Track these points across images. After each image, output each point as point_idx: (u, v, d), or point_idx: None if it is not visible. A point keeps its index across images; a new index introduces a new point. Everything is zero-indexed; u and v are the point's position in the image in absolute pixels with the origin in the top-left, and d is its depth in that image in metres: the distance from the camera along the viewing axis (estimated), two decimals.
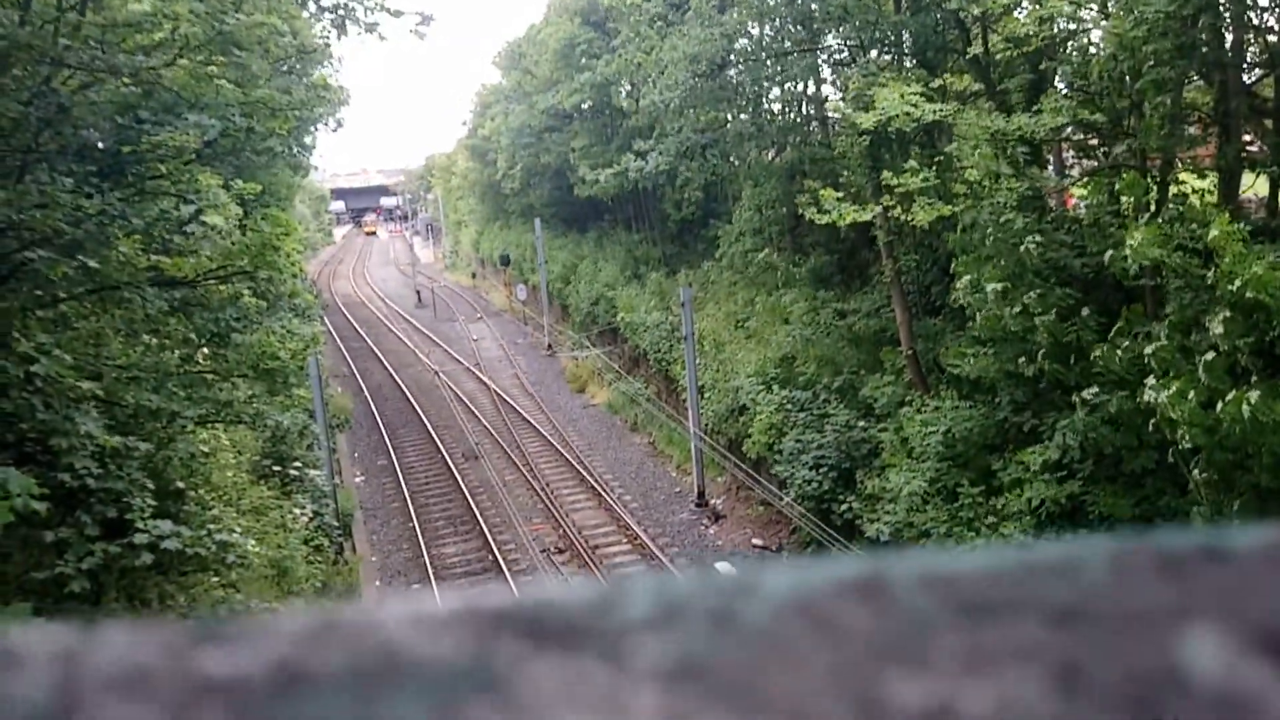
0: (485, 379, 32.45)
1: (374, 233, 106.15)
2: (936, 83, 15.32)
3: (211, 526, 11.47)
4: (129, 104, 9.70)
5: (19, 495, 5.03)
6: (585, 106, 34.58)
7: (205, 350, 11.94)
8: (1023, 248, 13.67)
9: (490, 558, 19.58)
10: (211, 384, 10.94)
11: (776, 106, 24.37)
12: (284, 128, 12.70)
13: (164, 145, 9.77)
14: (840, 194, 16.18)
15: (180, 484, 11.94)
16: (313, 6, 12.25)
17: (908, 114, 14.30)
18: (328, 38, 14.14)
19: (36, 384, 9.35)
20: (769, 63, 21.50)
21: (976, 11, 15.00)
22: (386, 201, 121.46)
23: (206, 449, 13.59)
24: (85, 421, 7.70)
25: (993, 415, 15.27)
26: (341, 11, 10.86)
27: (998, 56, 16.08)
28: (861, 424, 17.82)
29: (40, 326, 10.21)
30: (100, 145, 9.55)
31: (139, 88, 9.48)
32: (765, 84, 22.72)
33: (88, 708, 0.37)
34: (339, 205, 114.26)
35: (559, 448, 25.43)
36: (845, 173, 18.78)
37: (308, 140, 31.11)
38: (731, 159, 24.14)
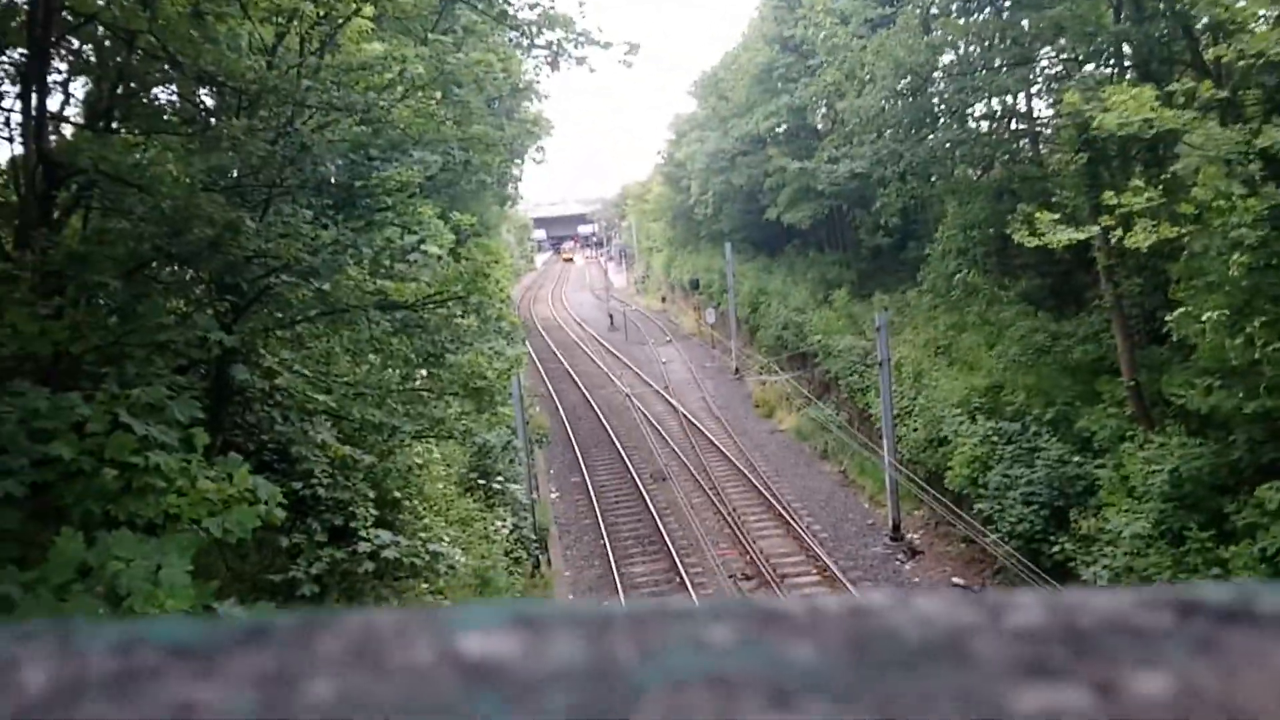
0: (674, 401, 32.80)
1: (571, 259, 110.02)
2: (1167, 90, 14.26)
3: (424, 536, 12.16)
4: (360, 142, 10.52)
5: (266, 502, 5.51)
6: (781, 130, 34.53)
7: (423, 370, 12.73)
8: (1256, 267, 12.49)
9: (677, 579, 19.69)
10: (427, 401, 11.64)
11: (984, 124, 23.40)
12: (498, 161, 13.40)
13: (391, 179, 10.53)
14: (1055, 215, 15.33)
15: (397, 494, 12.76)
16: (526, 44, 12.91)
17: (1147, 121, 13.38)
18: (538, 73, 14.83)
19: (277, 398, 10.25)
20: (976, 76, 20.72)
21: (1206, 20, 13.88)
22: (583, 229, 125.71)
23: (421, 462, 14.47)
24: (321, 431, 8.35)
25: (1226, 454, 13.96)
26: (555, 48, 11.36)
27: (1234, 66, 14.79)
28: (1076, 459, 16.71)
29: (281, 345, 11.21)
30: (334, 180, 10.40)
31: (369, 126, 10.29)
32: (971, 97, 21.87)
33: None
34: (540, 233, 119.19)
35: (745, 472, 25.30)
36: (1059, 192, 17.78)
37: (514, 172, 32.68)
38: (933, 178, 23.34)
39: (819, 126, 31.64)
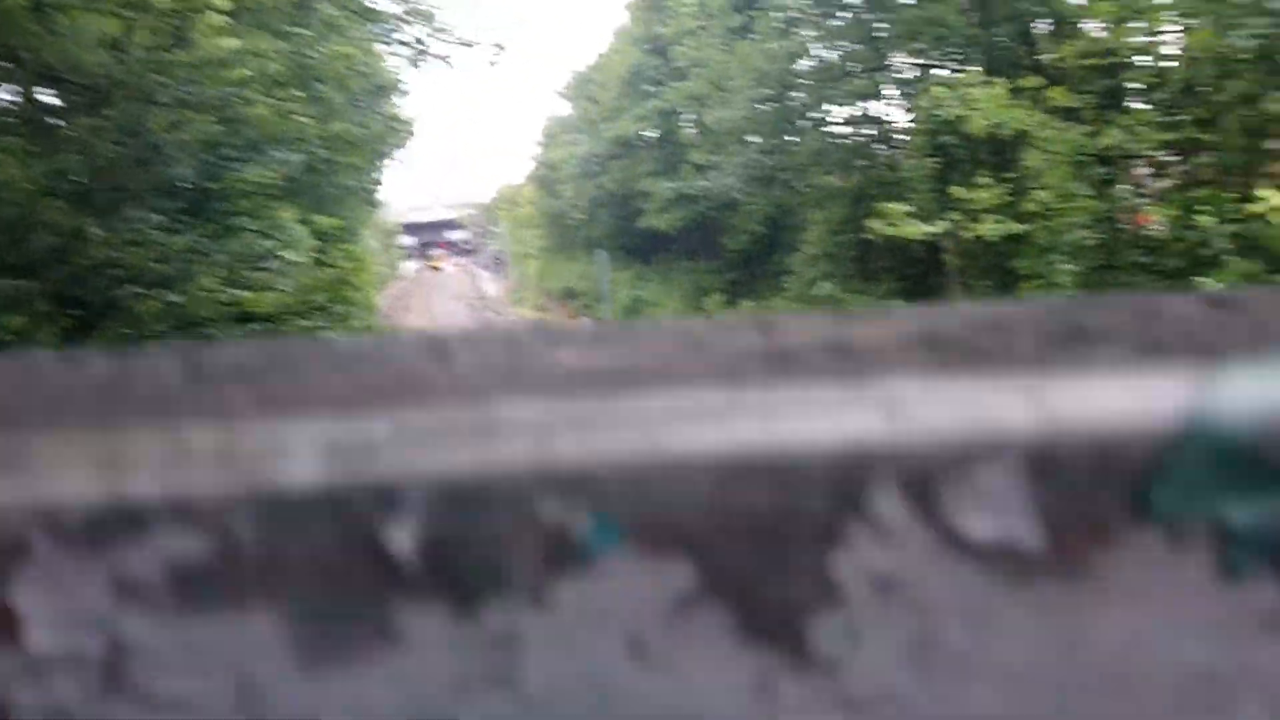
0: None
1: (439, 267, 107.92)
2: (1016, 86, 15.14)
3: None
4: (215, 141, 10.06)
5: None
6: (651, 134, 34.88)
7: None
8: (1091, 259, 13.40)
9: None
10: None
11: (845, 129, 24.26)
12: (360, 161, 13.07)
13: (247, 181, 10.11)
14: (905, 207, 16.11)
15: None
16: (388, 40, 12.61)
17: (998, 123, 14.17)
18: (400, 73, 14.51)
19: None
20: (834, 84, 21.48)
21: (1048, 24, 14.80)
22: (453, 235, 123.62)
23: None
24: None
25: None
26: (419, 44, 11.16)
27: (1070, 68, 15.81)
28: None
29: None
30: (188, 183, 9.92)
31: (225, 125, 9.85)
32: (829, 106, 22.64)
33: None
34: (408, 239, 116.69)
35: None
36: (912, 195, 18.63)
37: (379, 175, 31.89)
38: (795, 185, 24.04)
39: (691, 130, 32.17)
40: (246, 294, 11.34)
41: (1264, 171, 14.86)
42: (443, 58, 11.03)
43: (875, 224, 16.43)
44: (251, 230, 11.17)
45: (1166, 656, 0.32)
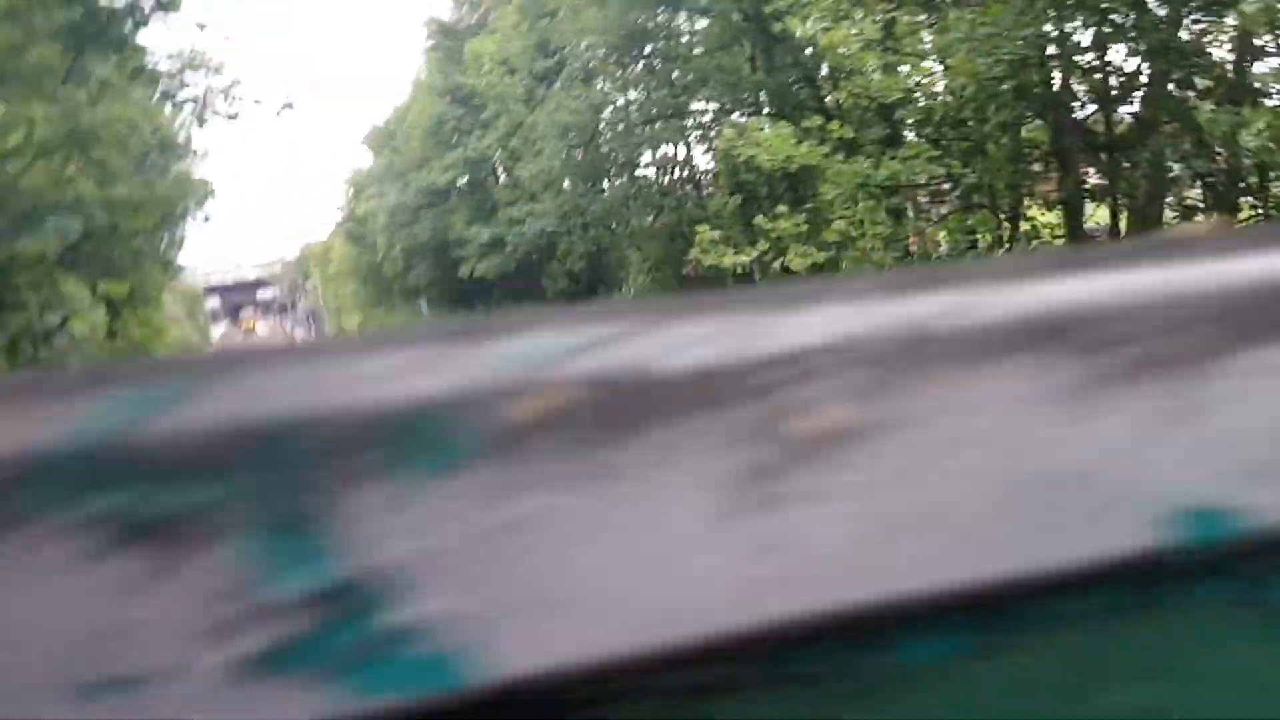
0: None
1: (253, 328, 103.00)
2: (803, 127, 16.10)
3: None
4: None
5: None
6: (461, 183, 34.69)
7: None
8: None
9: None
10: None
11: (650, 172, 25.01)
12: (148, 224, 12.37)
13: (23, 255, 9.38)
14: (716, 236, 16.86)
15: None
16: (171, 97, 12.05)
17: (789, 157, 15.00)
18: (187, 130, 13.87)
19: None
20: (638, 130, 22.16)
21: (825, 70, 15.85)
22: (264, 294, 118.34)
23: None
24: None
25: None
26: (203, 100, 10.72)
27: (849, 108, 16.97)
28: None
29: None
30: None
31: None
32: (635, 152, 23.33)
33: None
34: (214, 302, 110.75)
35: None
36: (723, 228, 19.43)
37: (177, 238, 30.25)
38: (613, 226, 24.55)
39: (500, 179, 32.24)
40: (28, 362, 10.48)
41: (1030, 191, 16.40)
42: (232, 115, 10.64)
43: (695, 253, 17.07)
44: (31, 306, 10.35)
45: None
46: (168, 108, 12.93)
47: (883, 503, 0.34)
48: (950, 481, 0.35)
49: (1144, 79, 14.50)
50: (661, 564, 0.33)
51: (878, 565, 0.34)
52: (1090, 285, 0.40)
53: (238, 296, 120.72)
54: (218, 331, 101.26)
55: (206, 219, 25.39)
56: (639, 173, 24.77)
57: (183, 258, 38.76)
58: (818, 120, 16.11)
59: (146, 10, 9.09)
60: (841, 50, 15.47)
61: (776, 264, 17.46)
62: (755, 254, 16.84)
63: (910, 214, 17.59)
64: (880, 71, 15.38)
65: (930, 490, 0.35)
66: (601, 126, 22.15)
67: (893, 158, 15.15)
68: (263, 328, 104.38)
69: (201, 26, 17.44)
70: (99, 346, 11.46)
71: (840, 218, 17.89)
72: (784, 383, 0.35)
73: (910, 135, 17.38)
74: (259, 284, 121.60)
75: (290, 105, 10.59)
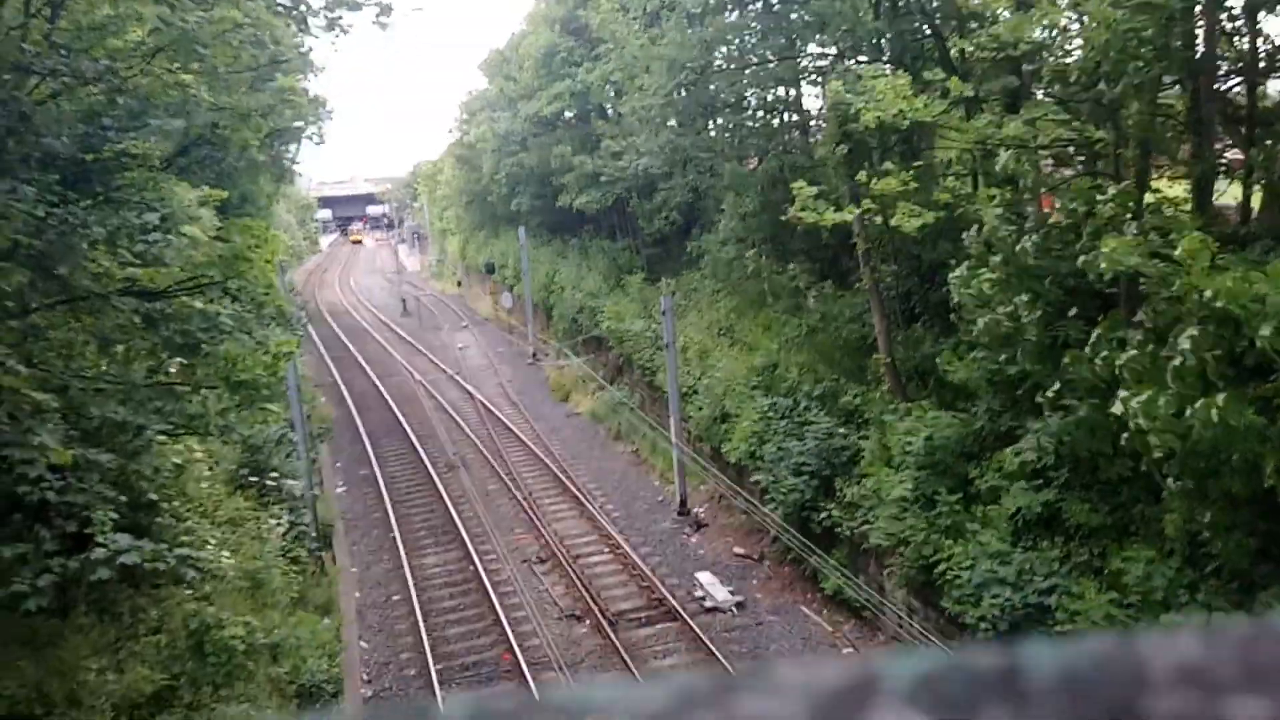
0: (469, 388, 32.31)
1: (360, 241, 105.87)
2: (924, 79, 15.33)
3: (186, 539, 11.31)
4: (94, 111, 9.58)
5: None
6: (568, 115, 34.57)
7: (178, 361, 11.79)
8: (1019, 247, 13.71)
9: (471, 568, 19.45)
10: (181, 396, 10.81)
11: (759, 114, 24.34)
12: (255, 134, 12.58)
13: (128, 153, 9.65)
14: (817, 193, 16.23)
15: (153, 496, 11.80)
16: (287, 11, 12.15)
17: (901, 112, 14.34)
18: (301, 44, 14.00)
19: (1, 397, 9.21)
20: (748, 71, 21.53)
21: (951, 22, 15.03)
22: (373, 210, 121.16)
23: (180, 460, 13.45)
24: (42, 433, 7.56)
25: (971, 424, 15.23)
26: (303, 8, 10.76)
27: (975, 61, 16.08)
28: (842, 431, 17.75)
29: (13, 337, 10.05)
30: (63, 154, 9.42)
31: (105, 94, 9.35)
32: (745, 91, 22.72)
33: None
34: (326, 213, 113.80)
35: (541, 456, 25.31)
36: (824, 181, 18.79)
37: (292, 150, 30.99)
38: (712, 169, 24.08)
39: (608, 111, 31.94)
40: (137, 270, 10.86)
41: (1160, 163, 15.41)
42: (332, 21, 10.57)
43: (795, 210, 16.60)
44: (135, 203, 10.69)
45: None
46: (290, 25, 13.03)
47: None
48: None
49: None
50: None
51: None
52: None
53: (348, 209, 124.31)
54: (326, 241, 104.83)
55: (320, 133, 25.92)
56: (745, 115, 24.18)
57: (299, 169, 39.91)
58: (939, 73, 15.35)
59: None
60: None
61: (879, 222, 16.89)
62: (857, 212, 16.29)
63: (1028, 180, 16.72)
64: (1011, 17, 14.51)
65: None
66: (711, 64, 21.62)
67: (1016, 116, 14.38)
68: (369, 242, 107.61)
69: None
70: (206, 247, 11.77)
71: (954, 175, 17.15)
72: None
73: (1038, 94, 16.47)
74: (370, 199, 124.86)
75: (389, 8, 10.47)
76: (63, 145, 9.34)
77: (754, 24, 20.96)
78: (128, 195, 9.97)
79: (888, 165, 15.18)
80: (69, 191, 9.67)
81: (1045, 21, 14.52)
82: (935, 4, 16.49)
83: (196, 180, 13.56)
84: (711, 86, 22.15)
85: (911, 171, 15.22)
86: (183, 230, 11.00)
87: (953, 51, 16.59)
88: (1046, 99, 15.99)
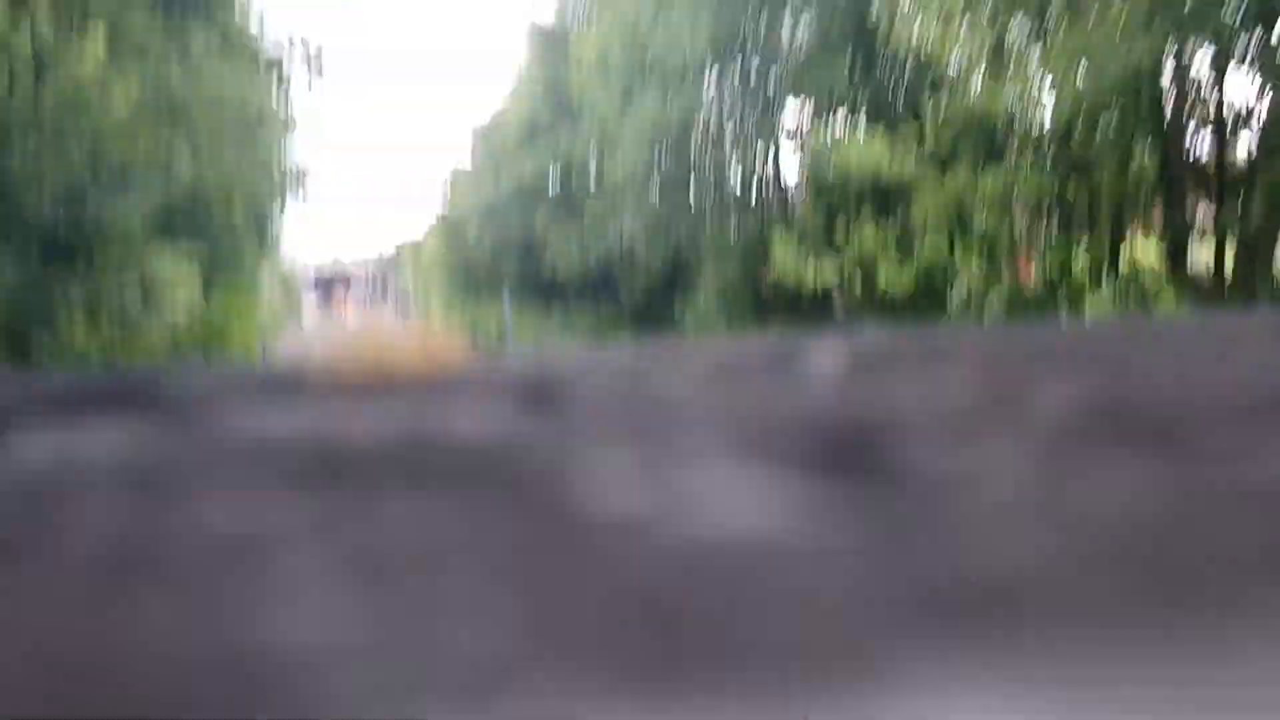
0: None
1: (344, 313, 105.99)
2: (898, 136, 15.65)
3: None
4: (77, 179, 9.57)
5: None
6: (550, 182, 35.07)
7: None
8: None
9: None
10: None
11: (738, 178, 24.72)
12: (241, 202, 12.64)
13: (113, 217, 9.63)
14: (794, 239, 16.47)
15: None
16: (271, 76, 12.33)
17: (878, 167, 14.61)
18: (288, 113, 14.15)
19: None
20: (728, 129, 21.96)
21: (925, 83, 15.39)
22: (357, 280, 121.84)
23: None
24: None
25: None
26: (295, 67, 10.92)
27: (948, 122, 16.43)
28: None
29: None
30: (44, 219, 9.39)
31: (90, 156, 9.36)
32: (726, 155, 23.09)
33: None
34: (312, 283, 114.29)
35: None
36: (804, 240, 19.06)
37: (273, 221, 31.16)
38: (694, 234, 24.35)
39: (590, 180, 32.46)
40: (114, 336, 10.75)
41: (1134, 217, 15.64)
42: (312, 77, 10.70)
43: (775, 263, 16.75)
44: (119, 270, 10.63)
45: None
46: (272, 89, 13.20)
47: None
48: None
49: (1264, 110, 13.71)
50: None
51: None
52: None
53: (332, 280, 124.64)
54: (310, 313, 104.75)
55: (303, 202, 26.17)
56: (724, 179, 24.51)
57: (280, 244, 40.09)
58: (915, 129, 15.62)
59: None
60: (947, 63, 15.02)
61: (860, 281, 17.02)
62: (838, 269, 16.42)
63: (1004, 241, 16.97)
64: (984, 87, 14.85)
65: None
66: (692, 129, 21.97)
67: (991, 173, 14.61)
68: (353, 312, 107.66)
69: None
70: (191, 318, 11.73)
71: (932, 236, 17.34)
72: None
73: (1011, 154, 16.75)
74: (353, 271, 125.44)
75: (320, 50, 10.50)
76: (42, 212, 9.31)
77: (734, 84, 21.44)
78: (111, 261, 9.93)
79: (867, 226, 15.39)
80: (51, 258, 9.62)
81: (1017, 89, 14.91)
82: (909, 68, 16.91)
83: (179, 245, 13.54)
84: (691, 151, 22.51)
85: (891, 230, 15.44)
86: (172, 298, 10.96)
87: (925, 116, 16.96)
88: (1022, 160, 16.30)
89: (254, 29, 10.90)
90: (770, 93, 20.52)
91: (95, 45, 8.55)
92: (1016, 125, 15.48)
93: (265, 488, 0.41)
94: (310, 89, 10.31)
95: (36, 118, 9.41)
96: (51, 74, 9.69)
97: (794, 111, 21.14)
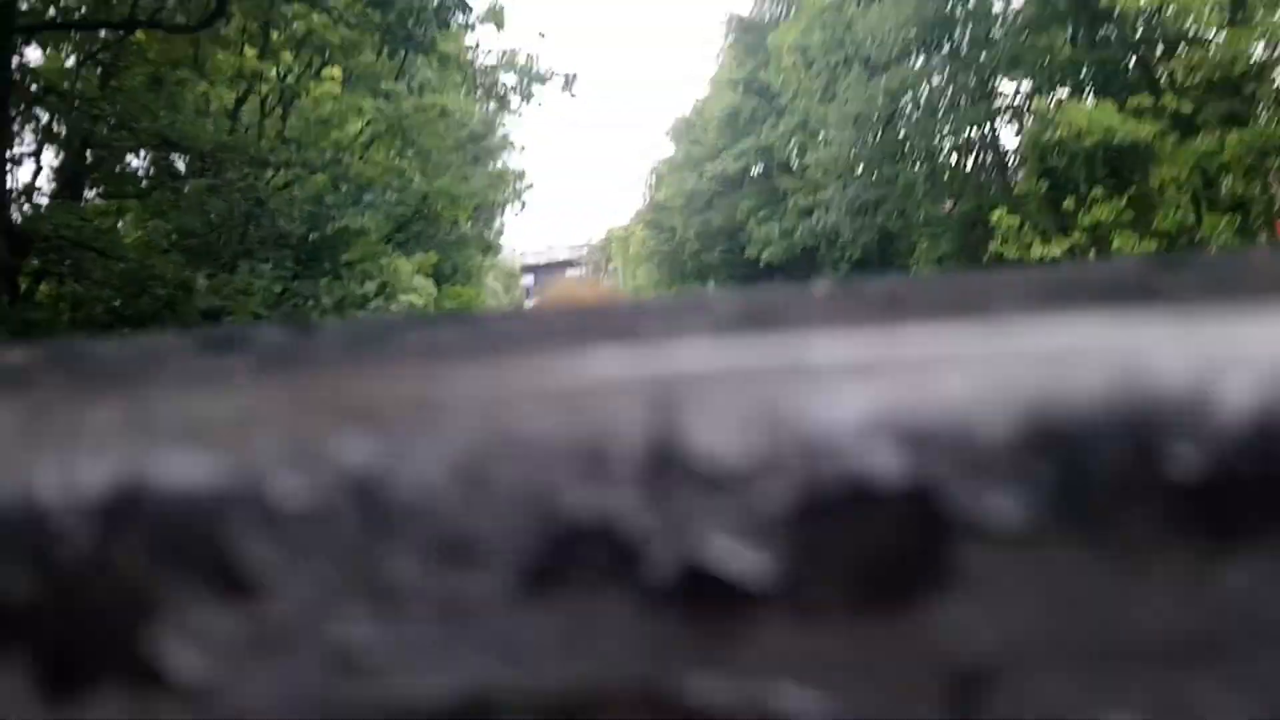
0: None
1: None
2: (1129, 107, 14.49)
3: None
4: (320, 196, 10.57)
5: None
6: (753, 170, 35.00)
7: None
8: None
9: None
10: None
11: (954, 156, 23.69)
12: (465, 212, 13.49)
13: (350, 230, 10.57)
14: (1017, 223, 15.54)
15: None
16: (491, 97, 13.07)
17: (1109, 129, 13.60)
18: (504, 126, 14.92)
19: None
20: (940, 114, 21.05)
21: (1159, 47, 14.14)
22: (571, 273, 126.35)
23: None
24: None
25: None
26: (500, 88, 11.52)
27: (1187, 87, 15.01)
28: None
29: None
30: (295, 234, 10.45)
31: (331, 180, 10.35)
32: (937, 136, 22.19)
33: None
34: (529, 279, 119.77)
35: None
36: (1028, 216, 18.01)
37: (498, 223, 33.06)
38: (904, 212, 23.57)
39: (792, 166, 32.18)
40: None
41: None
42: (527, 95, 11.28)
43: (995, 245, 15.90)
44: (358, 276, 11.65)
45: None
46: (490, 106, 13.95)
47: None
48: None
49: None
50: None
51: None
52: None
53: (549, 275, 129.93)
54: (528, 300, 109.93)
55: (523, 206, 27.63)
56: (939, 159, 23.54)
57: (503, 239, 42.44)
58: (1147, 99, 14.39)
59: (449, 17, 9.89)
60: (1183, 18, 13.76)
61: (1091, 255, 15.89)
62: (1068, 244, 15.39)
63: (1257, 205, 15.32)
64: (1228, 38, 13.46)
65: None
66: (899, 112, 21.27)
67: (1238, 133, 13.23)
68: None
69: (542, 35, 18.85)
70: (425, 311, 12.68)
71: (1177, 206, 15.93)
72: None
73: (1262, 110, 15.09)
74: (567, 264, 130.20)
75: (574, 78, 11.02)
76: (294, 226, 10.35)
77: (943, 69, 20.55)
78: (351, 270, 10.90)
79: (1095, 193, 14.34)
80: (300, 268, 10.67)
81: (1265, 37, 13.43)
82: (1138, 30, 15.58)
83: (412, 253, 14.65)
84: (900, 134, 21.79)
85: (1126, 200, 14.33)
86: (401, 299, 11.89)
87: (1161, 78, 15.57)
88: (1275, 115, 14.65)
89: (472, 54, 11.63)
90: (984, 68, 19.50)
91: (333, 80, 9.49)
92: (1264, 78, 13.92)
93: None
94: (527, 103, 10.95)
95: (285, 144, 10.46)
96: (296, 106, 10.74)
97: (1010, 85, 20.04)
